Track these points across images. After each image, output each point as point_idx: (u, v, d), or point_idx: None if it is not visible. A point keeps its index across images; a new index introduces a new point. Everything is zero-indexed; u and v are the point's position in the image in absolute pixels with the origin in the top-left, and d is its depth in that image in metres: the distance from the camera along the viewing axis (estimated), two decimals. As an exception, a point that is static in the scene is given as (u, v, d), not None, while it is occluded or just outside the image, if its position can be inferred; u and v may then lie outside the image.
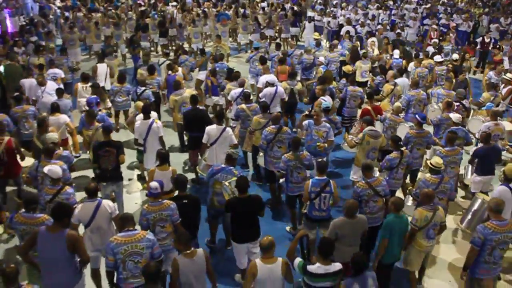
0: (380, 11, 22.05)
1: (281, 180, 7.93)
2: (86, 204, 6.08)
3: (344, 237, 5.88)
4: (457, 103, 10.27)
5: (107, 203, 6.14)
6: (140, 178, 9.55)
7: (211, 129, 8.22)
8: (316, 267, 5.02)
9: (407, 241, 6.19)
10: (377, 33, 17.11)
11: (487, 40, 17.27)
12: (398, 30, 17.73)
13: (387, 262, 6.12)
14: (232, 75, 11.10)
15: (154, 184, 5.99)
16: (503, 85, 11.59)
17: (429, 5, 24.50)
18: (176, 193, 6.55)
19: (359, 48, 15.09)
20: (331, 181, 6.72)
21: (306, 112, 9.57)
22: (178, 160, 10.08)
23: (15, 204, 7.60)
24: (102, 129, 8.06)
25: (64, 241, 5.19)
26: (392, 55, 14.03)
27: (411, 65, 13.18)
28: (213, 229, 7.45)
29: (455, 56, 13.79)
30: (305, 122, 8.57)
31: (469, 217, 7.16)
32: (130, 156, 9.78)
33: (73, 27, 16.73)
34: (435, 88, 11.71)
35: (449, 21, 20.15)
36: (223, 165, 7.02)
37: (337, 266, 5.09)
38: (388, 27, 18.29)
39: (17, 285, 4.64)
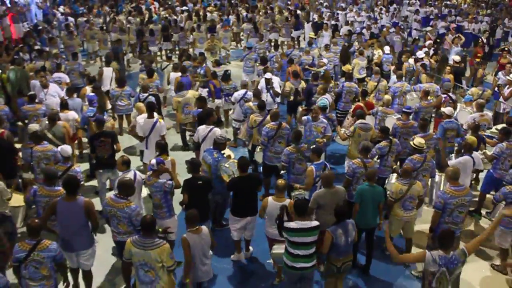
0: (383, 12, 22.89)
1: (282, 172, 8.64)
2: (125, 174, 7.26)
3: (325, 206, 6.80)
4: (445, 95, 11.28)
5: (139, 173, 7.43)
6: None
7: (201, 129, 9.10)
8: (294, 223, 5.99)
9: (387, 211, 7.25)
10: (380, 35, 18.09)
11: (485, 40, 17.95)
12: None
13: (359, 226, 6.96)
14: None
15: (153, 161, 7.25)
16: (507, 86, 12.32)
17: (431, 8, 25.24)
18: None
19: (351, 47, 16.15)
20: (326, 163, 7.79)
21: (305, 107, 10.40)
22: (181, 160, 10.59)
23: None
24: (95, 121, 9.08)
25: (82, 208, 6.20)
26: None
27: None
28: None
29: (457, 58, 14.41)
30: (304, 118, 9.49)
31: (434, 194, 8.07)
32: (135, 161, 10.42)
33: (72, 32, 17.57)
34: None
35: (451, 23, 20.89)
36: (210, 147, 8.17)
37: (313, 223, 6.06)
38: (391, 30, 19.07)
39: (39, 238, 5.60)
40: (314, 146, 8.00)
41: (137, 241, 5.61)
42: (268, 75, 11.80)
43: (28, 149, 8.25)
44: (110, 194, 6.53)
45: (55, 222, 6.42)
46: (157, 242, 5.60)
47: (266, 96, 11.36)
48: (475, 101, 10.52)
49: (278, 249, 6.47)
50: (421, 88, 11.58)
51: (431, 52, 15.62)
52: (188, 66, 13.72)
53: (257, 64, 14.26)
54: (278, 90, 11.86)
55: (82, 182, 7.52)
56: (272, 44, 17.08)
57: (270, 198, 6.84)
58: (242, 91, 11.34)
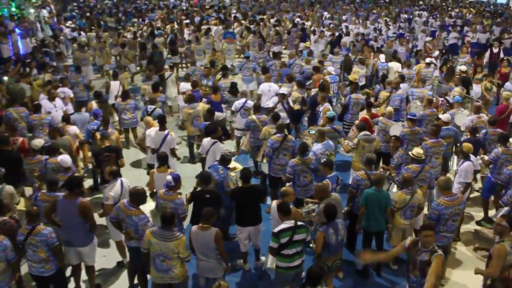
0: (390, 24, 23.07)
1: (287, 184, 8.65)
2: (113, 184, 7.54)
3: None
4: (442, 99, 11.56)
5: (126, 181, 7.68)
6: (153, 195, 10.03)
7: (205, 141, 9.29)
8: (283, 224, 6.30)
9: (389, 218, 7.38)
10: (385, 46, 18.26)
11: (495, 50, 17.93)
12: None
13: (367, 229, 7.40)
14: None
15: (169, 177, 7.35)
16: None
17: (438, 21, 25.33)
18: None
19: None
20: (338, 176, 7.96)
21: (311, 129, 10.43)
22: (189, 174, 10.52)
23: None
24: (100, 136, 9.34)
25: (76, 207, 6.64)
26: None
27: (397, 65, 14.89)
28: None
29: (463, 67, 14.43)
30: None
31: None
32: (141, 175, 10.77)
33: (84, 46, 17.88)
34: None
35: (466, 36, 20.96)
36: (215, 163, 8.28)
37: (299, 222, 6.37)
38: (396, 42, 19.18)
39: (37, 223, 6.26)
40: (324, 160, 8.07)
41: (157, 233, 6.11)
42: (283, 90, 11.79)
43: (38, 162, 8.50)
44: (123, 200, 6.82)
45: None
46: (176, 234, 6.12)
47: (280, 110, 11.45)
48: (474, 104, 10.78)
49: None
50: (413, 93, 11.93)
51: (438, 62, 15.70)
52: (193, 71, 14.40)
53: (259, 73, 14.55)
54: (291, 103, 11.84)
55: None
56: (271, 53, 17.32)
57: (274, 203, 7.08)
58: (242, 100, 11.56)
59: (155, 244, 6.06)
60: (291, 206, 6.76)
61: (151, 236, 6.09)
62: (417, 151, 8.04)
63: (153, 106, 11.48)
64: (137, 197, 6.65)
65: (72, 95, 12.92)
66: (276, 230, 6.27)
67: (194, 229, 6.38)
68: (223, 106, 12.27)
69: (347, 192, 8.08)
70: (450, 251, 7.64)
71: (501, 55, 17.58)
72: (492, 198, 8.74)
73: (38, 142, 8.82)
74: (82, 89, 13.88)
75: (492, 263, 5.80)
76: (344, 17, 26.69)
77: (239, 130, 11.59)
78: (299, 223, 6.33)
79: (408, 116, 9.82)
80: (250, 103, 11.49)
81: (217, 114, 11.88)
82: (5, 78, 13.91)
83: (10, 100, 11.82)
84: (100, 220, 8.52)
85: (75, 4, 37.26)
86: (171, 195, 7.13)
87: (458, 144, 9.40)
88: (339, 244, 6.54)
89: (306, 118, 12.09)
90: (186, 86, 13.29)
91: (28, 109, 11.03)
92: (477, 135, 9.40)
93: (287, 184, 8.59)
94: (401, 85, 12.46)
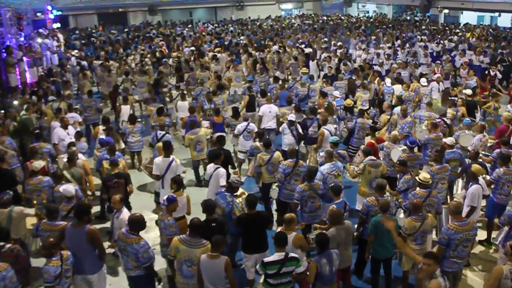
0: (398, 49, 23.26)
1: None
2: (124, 211, 7.75)
3: (341, 243, 6.91)
4: (439, 120, 11.52)
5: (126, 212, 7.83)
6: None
7: (208, 167, 9.37)
8: (274, 256, 6.30)
9: (398, 245, 7.20)
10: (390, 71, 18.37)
11: (492, 73, 18.19)
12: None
13: (377, 257, 7.32)
14: None
15: (165, 197, 7.52)
16: None
17: (441, 44, 25.49)
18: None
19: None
20: (346, 201, 7.89)
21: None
22: (195, 197, 10.46)
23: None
24: (110, 163, 9.38)
25: (84, 235, 6.69)
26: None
27: (399, 87, 14.92)
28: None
29: (469, 91, 14.43)
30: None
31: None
32: (147, 200, 10.74)
33: (86, 74, 18.32)
34: (417, 110, 13.24)
35: (463, 58, 21.08)
36: (222, 190, 8.27)
37: (292, 254, 6.35)
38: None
39: (60, 252, 6.31)
40: (332, 184, 8.05)
41: (185, 240, 6.49)
42: (291, 116, 11.80)
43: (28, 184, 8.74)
44: (122, 229, 6.80)
45: None
46: (202, 242, 6.45)
47: (289, 137, 11.51)
48: (476, 124, 10.87)
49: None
50: (421, 116, 11.92)
51: (441, 85, 15.75)
52: (200, 92, 14.77)
53: (258, 97, 14.75)
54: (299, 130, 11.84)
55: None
56: (271, 79, 17.55)
57: (279, 230, 7.06)
58: (244, 123, 11.75)
59: (183, 251, 6.41)
60: (299, 233, 6.75)
61: (179, 243, 6.45)
62: (424, 175, 7.99)
63: (163, 132, 11.45)
64: (137, 224, 6.63)
65: (80, 120, 13.15)
66: (266, 260, 6.29)
67: (204, 258, 6.35)
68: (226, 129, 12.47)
69: (355, 217, 8.03)
70: (461, 278, 7.52)
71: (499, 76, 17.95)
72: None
73: (38, 164, 9.07)
74: (94, 113, 14.34)
75: (489, 281, 5.89)
76: (339, 43, 26.85)
77: (242, 152, 11.74)
78: (290, 255, 6.31)
79: (407, 143, 9.75)
80: (253, 126, 11.70)
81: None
82: (15, 102, 14.07)
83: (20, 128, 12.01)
84: (107, 249, 8.55)
85: (77, 32, 37.85)
86: (164, 215, 7.37)
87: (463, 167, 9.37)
88: (333, 275, 6.49)
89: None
90: (182, 104, 13.45)
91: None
92: (479, 159, 9.34)
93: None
94: (394, 109, 12.57)
